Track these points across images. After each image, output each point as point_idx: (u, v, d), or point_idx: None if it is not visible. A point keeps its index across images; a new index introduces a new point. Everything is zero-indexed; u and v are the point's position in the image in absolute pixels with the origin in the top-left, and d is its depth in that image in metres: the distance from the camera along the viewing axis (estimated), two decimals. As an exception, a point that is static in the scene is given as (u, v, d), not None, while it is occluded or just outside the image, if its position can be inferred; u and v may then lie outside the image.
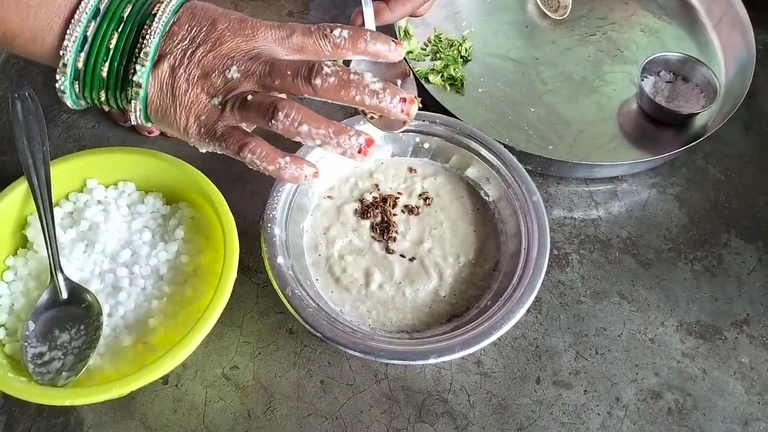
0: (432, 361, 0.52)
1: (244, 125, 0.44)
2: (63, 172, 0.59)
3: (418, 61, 0.78)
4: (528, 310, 0.56)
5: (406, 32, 0.80)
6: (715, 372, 0.59)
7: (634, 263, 0.65)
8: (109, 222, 0.58)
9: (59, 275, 0.54)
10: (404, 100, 0.42)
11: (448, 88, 0.76)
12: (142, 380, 0.48)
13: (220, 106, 0.42)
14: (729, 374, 0.59)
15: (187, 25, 0.43)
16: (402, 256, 0.61)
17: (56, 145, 0.69)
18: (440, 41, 0.79)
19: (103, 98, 0.45)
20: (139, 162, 0.60)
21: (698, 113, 0.72)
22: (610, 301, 0.62)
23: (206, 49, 0.42)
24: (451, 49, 0.78)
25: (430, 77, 0.76)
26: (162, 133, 0.69)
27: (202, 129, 0.43)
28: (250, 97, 0.42)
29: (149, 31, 0.42)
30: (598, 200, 0.69)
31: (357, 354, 0.52)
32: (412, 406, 0.56)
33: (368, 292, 0.59)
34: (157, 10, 0.43)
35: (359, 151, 0.42)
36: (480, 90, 0.76)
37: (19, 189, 0.57)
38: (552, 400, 0.57)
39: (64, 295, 0.54)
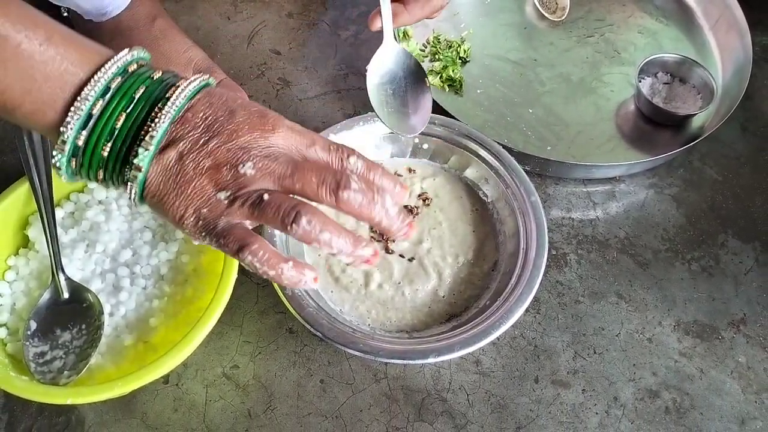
0: (431, 360, 0.52)
1: (247, 223, 0.41)
2: (64, 173, 0.59)
3: (417, 62, 0.78)
4: (526, 310, 0.57)
5: (405, 33, 0.80)
6: (712, 371, 0.59)
7: (631, 263, 0.65)
8: (110, 222, 0.58)
9: (60, 275, 0.54)
10: (411, 225, 0.44)
11: (447, 90, 0.76)
12: (143, 379, 0.49)
13: (226, 201, 0.40)
14: (726, 374, 0.59)
15: (202, 113, 0.41)
16: (401, 256, 0.61)
17: (57, 146, 0.69)
18: (439, 42, 0.80)
19: (101, 177, 0.42)
20: (140, 162, 0.60)
21: (695, 114, 0.73)
22: (608, 301, 0.63)
23: (221, 141, 0.40)
24: (450, 50, 0.79)
25: (429, 78, 0.76)
26: None
27: (200, 222, 0.40)
28: (266, 196, 0.39)
29: (159, 114, 0.40)
30: (596, 201, 0.69)
31: (356, 353, 0.52)
32: (412, 405, 0.56)
33: (368, 292, 0.59)
34: (172, 94, 0.40)
35: (366, 261, 0.42)
36: (478, 91, 0.77)
37: (21, 189, 0.57)
38: (550, 400, 0.57)
39: (66, 295, 0.54)
